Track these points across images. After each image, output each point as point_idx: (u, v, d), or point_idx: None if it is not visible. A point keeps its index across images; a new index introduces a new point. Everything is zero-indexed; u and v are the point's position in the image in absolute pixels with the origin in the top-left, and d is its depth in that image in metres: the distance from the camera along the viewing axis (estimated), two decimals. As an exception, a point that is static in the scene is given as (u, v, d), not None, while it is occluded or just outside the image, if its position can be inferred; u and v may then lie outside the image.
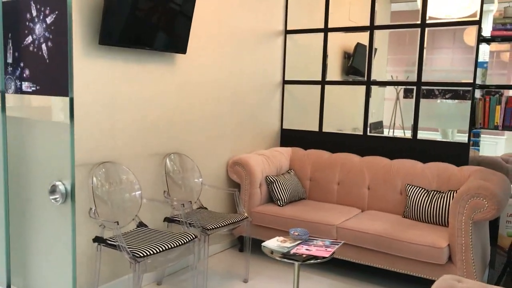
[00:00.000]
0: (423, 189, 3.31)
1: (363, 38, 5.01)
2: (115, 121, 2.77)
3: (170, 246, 2.51)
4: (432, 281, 3.01)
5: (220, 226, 2.94)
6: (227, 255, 3.66)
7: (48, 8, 0.93)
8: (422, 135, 3.67)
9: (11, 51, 1.04)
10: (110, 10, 2.55)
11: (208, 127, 3.51)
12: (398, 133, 5.77)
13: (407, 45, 6.39)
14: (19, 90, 1.03)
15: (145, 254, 2.37)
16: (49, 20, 0.95)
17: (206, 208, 3.34)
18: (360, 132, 4.00)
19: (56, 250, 1.03)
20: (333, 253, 2.42)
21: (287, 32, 4.24)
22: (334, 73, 4.84)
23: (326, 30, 4.06)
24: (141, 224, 2.82)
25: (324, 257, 2.34)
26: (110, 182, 2.68)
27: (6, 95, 1.06)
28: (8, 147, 1.08)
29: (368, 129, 3.89)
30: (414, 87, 3.65)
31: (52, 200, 1.00)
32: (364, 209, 3.61)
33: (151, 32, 2.83)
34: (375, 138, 3.83)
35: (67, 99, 0.93)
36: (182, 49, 3.10)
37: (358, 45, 5.14)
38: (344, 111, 4.97)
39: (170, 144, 3.19)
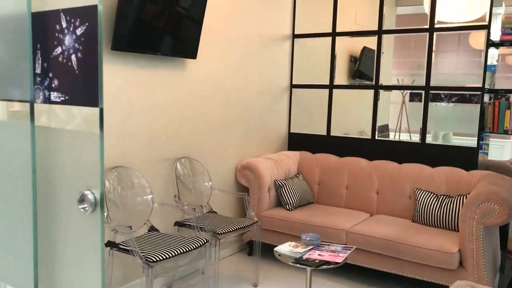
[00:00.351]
0: (432, 194, 3.32)
1: (369, 41, 5.03)
2: (126, 125, 2.78)
3: (182, 251, 2.52)
4: (442, 286, 3.01)
5: (230, 231, 2.94)
6: (236, 259, 3.67)
7: (78, 20, 0.94)
8: (427, 138, 3.68)
9: (40, 62, 1.05)
10: (123, 15, 2.57)
11: (216, 131, 3.53)
12: (404, 137, 5.78)
13: (413, 48, 6.40)
14: (47, 100, 1.04)
15: (158, 259, 2.38)
16: (79, 31, 0.96)
17: (215, 212, 3.35)
18: (367, 136, 4.00)
19: (83, 258, 1.04)
20: (346, 258, 2.42)
21: (295, 36, 4.25)
22: (340, 76, 4.85)
23: (334, 34, 4.07)
24: (152, 229, 2.83)
25: (337, 263, 2.34)
26: (122, 186, 2.70)
27: (35, 104, 1.07)
28: (36, 157, 1.09)
29: (381, 134, 3.90)
30: (423, 92, 3.65)
31: (81, 209, 1.01)
32: (373, 214, 3.61)
33: (162, 37, 2.84)
34: (383, 142, 3.83)
35: (97, 109, 0.94)
36: (192, 55, 3.11)
37: (365, 49, 5.15)
38: (350, 114, 4.98)
39: (180, 148, 3.21)
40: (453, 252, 2.78)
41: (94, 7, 0.97)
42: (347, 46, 5.01)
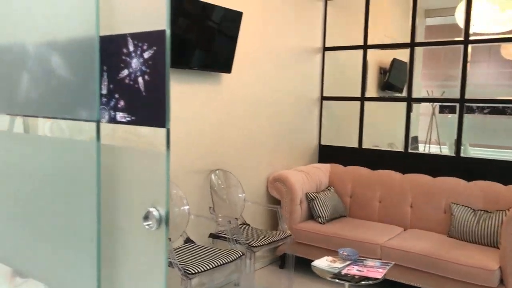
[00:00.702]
0: (469, 208, 3.25)
1: (399, 53, 5.00)
2: (164, 139, 2.84)
3: (219, 263, 2.54)
4: (482, 304, 2.93)
5: (265, 244, 2.95)
6: (268, 272, 3.66)
7: (146, 44, 0.98)
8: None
9: (106, 83, 1.10)
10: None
11: (249, 143, 3.55)
12: (434, 149, 5.69)
13: (442, 59, 6.33)
14: (113, 120, 1.08)
15: (196, 271, 2.40)
16: (146, 55, 1.00)
17: (248, 225, 3.36)
18: (396, 148, 3.97)
19: (147, 274, 1.07)
20: (385, 274, 2.40)
21: (326, 49, 4.27)
22: (369, 88, 4.83)
23: (365, 47, 4.07)
24: (188, 240, 2.86)
25: (376, 278, 2.32)
26: (159, 199, 2.74)
27: (101, 124, 1.11)
28: (101, 174, 1.13)
29: (412, 145, 3.86)
30: (457, 104, 3.60)
31: (146, 226, 1.04)
32: (407, 228, 3.56)
33: (199, 53, 2.90)
34: (416, 155, 3.79)
35: (163, 130, 0.97)
36: (227, 69, 3.16)
37: (395, 60, 5.12)
38: (378, 126, 4.94)
39: (215, 160, 3.24)
40: (493, 270, 2.72)
41: (163, 32, 1.01)
42: (376, 58, 4.99)
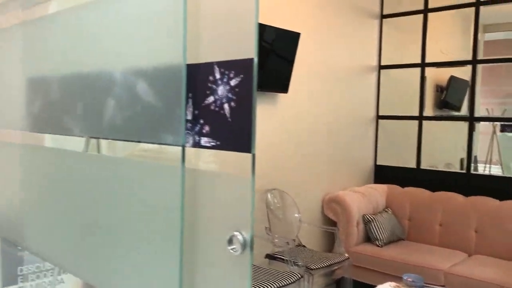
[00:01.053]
0: (542, 235, 3.05)
1: (455, 70, 4.84)
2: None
3: (277, 286, 2.51)
4: None
5: (323, 266, 2.90)
6: (323, 294, 3.58)
7: (232, 72, 1.01)
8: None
9: (191, 109, 1.13)
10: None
11: (304, 163, 3.54)
12: (495, 169, 5.42)
13: (503, 75, 6.06)
14: (197, 145, 1.11)
15: (256, 293, 2.39)
16: (233, 82, 1.02)
17: (304, 246, 3.32)
18: (455, 168, 3.80)
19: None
20: (453, 303, 2.28)
21: (381, 67, 4.21)
22: (425, 106, 4.69)
23: (423, 64, 3.98)
24: (246, 261, 2.86)
25: (445, 308, 2.21)
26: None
27: (185, 148, 1.14)
28: (185, 197, 1.15)
29: (472, 165, 3.69)
30: (525, 124, 3.42)
31: (230, 250, 1.05)
32: (471, 254, 3.39)
33: (260, 76, 2.94)
34: (479, 177, 3.62)
35: (249, 155, 0.98)
36: (284, 89, 3.18)
37: (452, 78, 4.96)
38: (435, 146, 4.77)
39: (271, 179, 3.25)
40: None
41: (251, 60, 1.03)
42: (432, 75, 4.86)
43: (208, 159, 1.15)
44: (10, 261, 2.01)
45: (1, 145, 1.98)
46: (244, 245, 1.07)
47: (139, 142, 1.29)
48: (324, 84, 3.65)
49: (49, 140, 1.71)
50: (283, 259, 2.94)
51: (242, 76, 1.06)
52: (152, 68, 1.24)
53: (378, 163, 4.23)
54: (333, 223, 3.67)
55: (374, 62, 4.18)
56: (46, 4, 1.67)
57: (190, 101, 1.17)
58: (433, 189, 3.82)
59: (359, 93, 4.04)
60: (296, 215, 3.35)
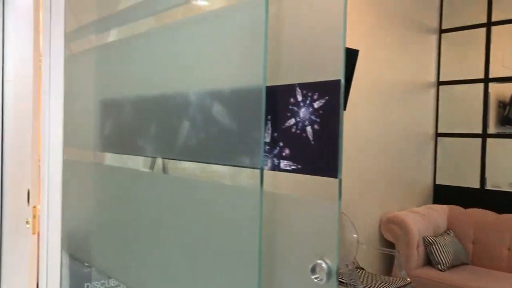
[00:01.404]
0: None
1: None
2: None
3: (339, 310, 2.42)
4: None
5: (384, 291, 2.78)
6: (381, 319, 3.43)
7: (316, 93, 0.97)
8: None
9: (269, 132, 1.10)
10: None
11: (360, 182, 3.44)
12: None
13: None
14: (276, 168, 1.08)
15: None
16: (317, 104, 0.99)
17: (363, 269, 3.20)
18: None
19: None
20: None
21: (440, 83, 4.05)
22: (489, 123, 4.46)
23: (486, 80, 3.80)
24: (303, 283, 2.79)
25: None
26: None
27: (264, 172, 1.11)
28: (263, 221, 1.12)
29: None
30: None
31: (314, 279, 1.00)
32: (545, 282, 3.14)
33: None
34: (553, 199, 3.37)
35: (335, 180, 0.94)
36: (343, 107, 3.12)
37: (516, 93, 4.70)
38: (498, 164, 4.51)
39: (328, 200, 3.17)
40: None
41: (337, 82, 1.00)
42: (494, 90, 4.63)
43: (288, 183, 1.11)
44: (78, 277, 2.06)
45: (72, 164, 2.05)
46: (329, 274, 1.02)
47: (215, 164, 1.28)
48: (379, 101, 3.56)
49: (113, 159, 1.75)
50: (342, 282, 2.85)
51: (327, 98, 1.03)
52: (229, 89, 1.23)
53: (438, 182, 4.04)
54: (391, 245, 3.53)
55: (432, 78, 4.04)
56: (118, 29, 1.72)
57: (269, 123, 1.15)
58: (499, 210, 3.60)
59: (416, 110, 3.91)
60: (355, 235, 3.25)
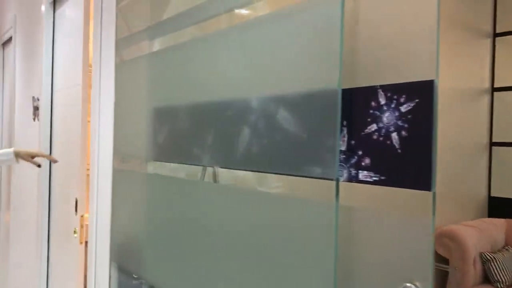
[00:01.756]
0: None
1: None
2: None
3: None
4: None
5: (443, 311, 2.59)
6: None
7: (403, 96, 0.86)
8: None
9: (345, 139, 1.00)
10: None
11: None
12: None
13: None
14: (353, 179, 0.97)
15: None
16: (404, 108, 0.88)
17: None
18: None
19: None
20: None
21: (494, 89, 3.84)
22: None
23: (546, 85, 3.56)
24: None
25: None
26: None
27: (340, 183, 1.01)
28: (339, 237, 1.02)
29: None
30: None
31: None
32: None
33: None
34: None
35: (428, 193, 0.82)
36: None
37: None
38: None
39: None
40: None
41: (430, 82, 0.89)
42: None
43: (369, 196, 1.01)
44: (126, 289, 2.01)
45: (121, 173, 2.01)
46: (420, 299, 0.91)
47: (283, 174, 1.19)
48: (432, 109, 3.39)
49: (165, 168, 1.69)
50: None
51: (417, 101, 0.92)
52: (300, 93, 1.14)
53: (493, 194, 3.81)
54: (444, 260, 3.32)
55: (486, 84, 3.83)
56: (174, 34, 1.67)
57: (345, 129, 1.05)
58: None
59: (467, 118, 3.70)
60: (407, 251, 3.07)
